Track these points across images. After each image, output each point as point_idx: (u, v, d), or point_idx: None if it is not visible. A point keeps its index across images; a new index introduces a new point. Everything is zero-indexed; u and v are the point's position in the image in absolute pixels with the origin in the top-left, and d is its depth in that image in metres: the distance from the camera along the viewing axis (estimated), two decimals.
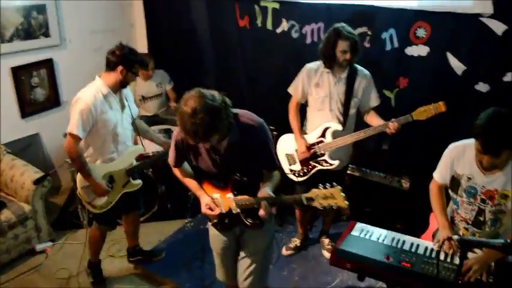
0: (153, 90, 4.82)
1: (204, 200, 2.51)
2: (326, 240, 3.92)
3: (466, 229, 2.64)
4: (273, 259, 3.65)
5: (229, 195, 2.45)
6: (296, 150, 3.57)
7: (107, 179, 3.20)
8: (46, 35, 4.43)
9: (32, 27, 4.30)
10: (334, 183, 2.22)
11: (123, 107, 3.21)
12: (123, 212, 3.55)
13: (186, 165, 2.65)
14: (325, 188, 2.21)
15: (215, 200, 2.51)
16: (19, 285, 3.62)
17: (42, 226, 3.98)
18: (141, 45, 5.39)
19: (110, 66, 3.07)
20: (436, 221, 2.68)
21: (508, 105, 3.36)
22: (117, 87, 3.13)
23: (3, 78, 4.19)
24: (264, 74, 4.64)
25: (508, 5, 3.28)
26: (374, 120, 3.37)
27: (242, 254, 2.66)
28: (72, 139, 2.99)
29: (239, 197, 2.42)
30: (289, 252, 3.88)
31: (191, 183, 2.61)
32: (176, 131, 2.45)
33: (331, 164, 3.45)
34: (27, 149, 4.41)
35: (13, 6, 4.12)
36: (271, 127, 4.49)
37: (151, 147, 3.97)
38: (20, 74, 4.29)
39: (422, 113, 3.10)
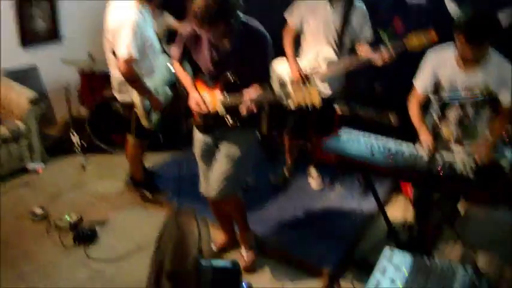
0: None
1: (194, 96, 2.63)
2: (313, 170, 3.97)
3: (450, 134, 2.79)
4: (263, 187, 3.78)
5: (218, 92, 2.57)
6: (289, 76, 3.63)
7: (156, 93, 3.30)
8: None
9: None
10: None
11: (151, 20, 3.29)
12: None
13: (185, 64, 2.78)
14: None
15: (204, 97, 2.61)
16: (9, 198, 3.67)
17: (35, 146, 4.06)
18: None
19: None
20: (418, 129, 2.77)
21: (504, 48, 3.52)
22: (145, 2, 3.13)
23: (4, 5, 4.23)
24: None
25: None
26: (368, 53, 3.39)
27: (217, 157, 2.73)
28: (128, 62, 3.00)
29: (226, 95, 2.55)
30: (277, 180, 3.95)
31: (186, 79, 2.74)
32: (183, 29, 2.61)
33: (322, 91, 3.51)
34: (24, 80, 4.45)
35: None
36: None
37: None
38: (22, 2, 4.35)
39: (415, 40, 3.04)
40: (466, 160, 2.47)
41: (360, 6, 3.47)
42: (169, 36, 4.89)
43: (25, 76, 4.49)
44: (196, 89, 2.67)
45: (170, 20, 4.70)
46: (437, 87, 2.75)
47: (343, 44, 3.51)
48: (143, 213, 3.58)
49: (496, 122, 2.70)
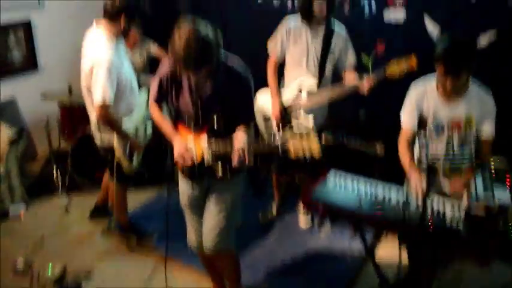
0: (135, 60, 4.48)
1: (177, 145, 2.47)
2: (302, 206, 3.93)
3: (436, 162, 2.77)
4: (252, 226, 3.71)
5: (204, 137, 2.44)
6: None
7: (134, 132, 3.23)
8: None
9: None
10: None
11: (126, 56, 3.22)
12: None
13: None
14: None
15: (189, 148, 2.47)
16: None
17: (15, 187, 3.96)
18: None
19: (112, 16, 2.98)
20: (407, 168, 2.72)
21: (480, 69, 3.52)
22: (121, 37, 3.08)
23: None
24: (242, 38, 4.51)
25: None
26: (352, 77, 3.40)
27: (208, 204, 2.63)
28: (105, 108, 2.94)
29: (212, 142, 2.42)
30: (266, 219, 3.90)
31: (166, 125, 2.58)
32: (162, 65, 2.46)
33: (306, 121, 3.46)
34: (2, 114, 4.33)
35: None
36: None
37: None
38: None
39: (395, 67, 3.10)
40: (456, 207, 2.45)
41: (340, 32, 3.43)
42: (152, 65, 4.81)
43: (3, 110, 4.36)
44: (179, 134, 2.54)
45: (153, 48, 4.62)
46: (422, 121, 2.73)
47: (325, 72, 3.47)
48: (129, 261, 3.47)
49: (478, 155, 2.71)
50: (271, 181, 3.96)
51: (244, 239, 3.51)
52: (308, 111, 3.46)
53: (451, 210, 2.44)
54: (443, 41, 2.45)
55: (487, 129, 2.61)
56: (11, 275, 3.25)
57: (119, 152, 3.16)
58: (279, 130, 3.56)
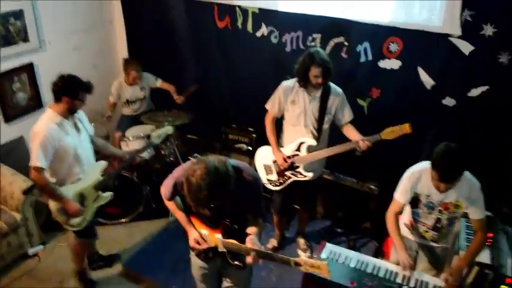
0: (136, 94, 4.91)
1: (193, 235, 2.68)
2: (302, 241, 4.21)
3: (426, 231, 3.05)
4: None
5: (218, 236, 2.62)
6: (273, 162, 3.77)
7: (78, 198, 3.39)
8: (25, 39, 4.43)
9: (11, 33, 4.29)
10: (323, 257, 2.39)
11: (78, 129, 3.36)
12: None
13: (177, 199, 2.80)
14: (312, 258, 2.37)
15: (203, 235, 2.68)
16: None
17: (33, 231, 4.18)
18: (120, 42, 5.41)
19: (56, 98, 3.20)
20: (394, 244, 3.00)
21: (472, 119, 3.67)
22: (68, 114, 3.26)
23: None
24: (244, 74, 4.74)
25: (475, 28, 3.45)
26: (350, 133, 3.56)
27: (225, 283, 2.90)
28: (37, 171, 3.16)
29: (227, 240, 2.59)
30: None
31: (181, 216, 2.76)
32: (179, 172, 2.59)
33: (305, 176, 3.67)
34: (12, 152, 4.50)
35: None
36: (250, 128, 4.75)
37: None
38: (1, 81, 4.32)
39: (390, 133, 3.28)
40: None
41: (337, 92, 3.56)
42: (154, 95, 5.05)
43: (12, 149, 4.52)
44: (193, 226, 2.72)
45: (157, 82, 4.90)
46: (414, 200, 2.98)
47: (323, 130, 3.62)
48: None
49: (475, 238, 2.95)
50: (271, 218, 4.21)
51: None
52: (307, 167, 3.65)
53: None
54: (440, 153, 2.63)
55: (477, 212, 2.84)
56: None
57: (53, 210, 3.39)
58: (280, 182, 3.78)
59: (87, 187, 3.44)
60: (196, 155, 4.09)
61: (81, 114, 3.45)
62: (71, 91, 3.17)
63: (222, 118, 4.99)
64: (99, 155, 3.94)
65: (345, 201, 4.32)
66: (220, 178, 2.25)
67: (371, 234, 4.28)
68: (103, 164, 3.57)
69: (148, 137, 4.40)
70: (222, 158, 2.35)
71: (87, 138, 3.47)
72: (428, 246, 3.10)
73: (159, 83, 4.99)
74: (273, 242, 4.22)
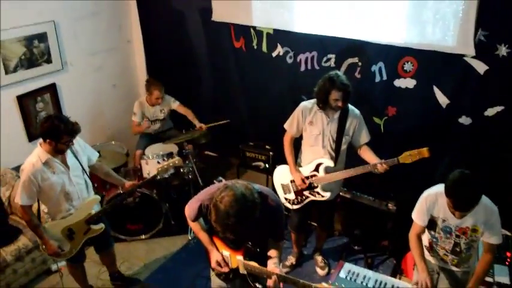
0: (157, 115, 5.03)
1: (215, 256, 2.75)
2: (319, 258, 4.25)
3: (446, 255, 3.04)
4: None
5: (240, 257, 2.69)
6: (291, 181, 3.83)
7: (66, 232, 3.41)
8: (48, 61, 4.60)
9: (35, 55, 4.47)
10: (341, 276, 2.44)
11: (68, 167, 3.32)
12: (95, 250, 3.85)
13: (200, 219, 2.87)
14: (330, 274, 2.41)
15: (225, 257, 2.74)
16: None
17: None
18: (139, 61, 5.54)
19: (42, 138, 3.19)
20: (416, 264, 3.01)
21: (488, 138, 3.68)
22: (54, 154, 3.23)
23: (9, 106, 4.40)
24: (261, 93, 4.85)
25: (489, 48, 3.49)
26: (367, 155, 3.58)
27: None
28: (21, 207, 3.23)
29: (249, 263, 2.65)
30: (285, 270, 4.20)
31: (203, 237, 2.83)
32: (204, 196, 2.66)
33: (323, 196, 3.72)
34: None
35: (15, 37, 4.27)
36: (267, 146, 4.82)
37: (152, 169, 4.32)
38: (25, 101, 4.49)
39: (408, 157, 3.29)
40: None
41: (355, 114, 3.59)
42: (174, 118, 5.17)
43: None
44: (216, 246, 2.79)
45: (174, 105, 5.07)
46: (431, 223, 2.98)
47: (340, 151, 3.66)
48: None
49: (482, 259, 2.94)
50: (289, 235, 4.25)
51: None
52: (325, 188, 3.71)
53: None
54: (454, 181, 2.62)
55: (493, 237, 2.82)
56: None
57: (39, 243, 3.44)
58: (298, 201, 3.84)
59: (77, 222, 3.43)
60: (220, 178, 4.15)
61: (79, 145, 3.42)
62: (54, 135, 3.11)
63: (239, 136, 5.09)
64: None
65: (362, 219, 4.35)
66: (247, 206, 2.31)
67: (389, 251, 4.30)
68: (96, 198, 3.57)
69: (168, 155, 4.51)
70: (249, 185, 2.42)
71: (79, 174, 3.42)
72: (449, 270, 3.10)
73: (176, 105, 5.08)
74: (291, 259, 4.27)
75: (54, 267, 4.28)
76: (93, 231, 3.54)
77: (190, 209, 2.76)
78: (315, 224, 4.50)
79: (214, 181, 3.79)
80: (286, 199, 3.90)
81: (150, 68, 5.53)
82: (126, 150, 5.07)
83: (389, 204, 4.17)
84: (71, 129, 3.16)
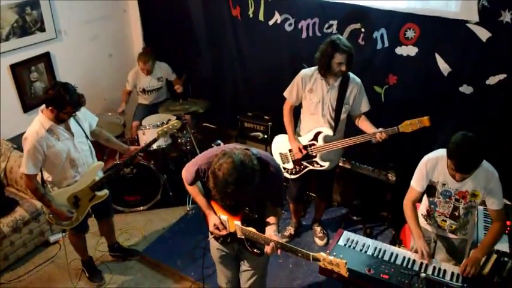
0: (153, 84, 4.98)
1: (213, 220, 2.73)
2: (318, 228, 4.25)
3: (444, 221, 3.03)
4: None
5: (238, 223, 2.66)
6: (289, 150, 3.79)
7: (72, 200, 3.38)
8: (41, 29, 4.48)
9: (27, 23, 4.35)
10: (341, 256, 2.39)
11: (72, 133, 3.27)
12: (95, 217, 3.81)
13: (198, 183, 2.81)
14: (332, 256, 2.37)
15: (223, 221, 2.72)
16: (37, 277, 3.96)
17: None
18: (135, 30, 5.42)
19: (45, 104, 3.12)
20: (412, 232, 3.00)
21: (489, 107, 3.63)
22: (56, 121, 3.16)
23: (3, 76, 4.30)
24: (259, 63, 4.74)
25: (493, 14, 3.40)
26: (365, 125, 3.55)
27: (243, 267, 2.96)
28: (26, 177, 3.17)
29: (247, 228, 2.62)
30: (284, 240, 4.16)
31: (201, 201, 2.79)
32: (202, 160, 2.60)
33: (321, 166, 3.69)
34: None
35: (7, 4, 4.15)
36: (265, 116, 4.76)
37: (149, 138, 4.27)
38: (18, 71, 4.39)
39: (408, 126, 3.26)
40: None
41: (356, 82, 3.54)
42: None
43: None
44: (213, 210, 2.76)
45: (169, 73, 5.04)
46: (430, 188, 2.97)
47: (340, 119, 3.62)
48: None
49: (490, 228, 2.93)
50: (288, 205, 4.24)
51: None
52: (324, 157, 3.66)
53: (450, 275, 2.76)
54: (456, 142, 2.59)
55: (495, 202, 2.80)
56: None
57: (46, 212, 3.46)
58: (296, 170, 3.80)
59: (82, 189, 3.41)
60: (219, 142, 4.09)
61: (80, 111, 3.30)
62: (58, 105, 3.04)
63: (237, 106, 5.02)
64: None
65: (361, 189, 4.34)
66: (246, 173, 2.25)
67: (388, 222, 4.30)
68: (100, 164, 3.52)
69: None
70: (248, 152, 2.36)
71: (83, 140, 3.38)
72: (446, 237, 3.10)
73: (174, 78, 5.09)
74: (290, 230, 4.26)
75: (52, 238, 4.28)
76: (98, 197, 3.51)
77: (187, 172, 2.71)
78: (314, 195, 4.49)
79: (212, 144, 3.74)
80: (284, 169, 3.87)
81: (146, 37, 5.42)
82: (123, 121, 5.01)
83: (388, 175, 4.15)
84: (76, 101, 3.09)
